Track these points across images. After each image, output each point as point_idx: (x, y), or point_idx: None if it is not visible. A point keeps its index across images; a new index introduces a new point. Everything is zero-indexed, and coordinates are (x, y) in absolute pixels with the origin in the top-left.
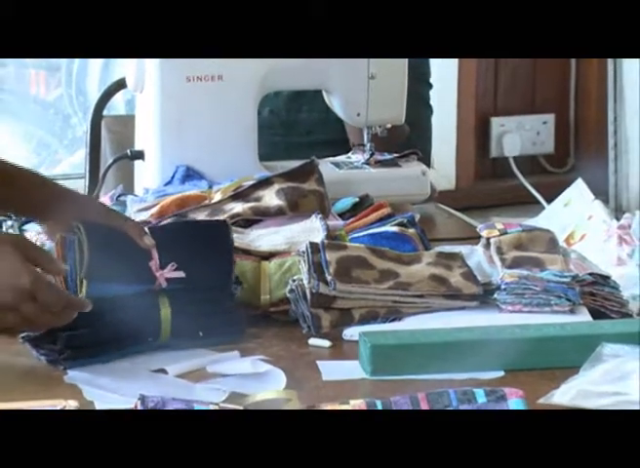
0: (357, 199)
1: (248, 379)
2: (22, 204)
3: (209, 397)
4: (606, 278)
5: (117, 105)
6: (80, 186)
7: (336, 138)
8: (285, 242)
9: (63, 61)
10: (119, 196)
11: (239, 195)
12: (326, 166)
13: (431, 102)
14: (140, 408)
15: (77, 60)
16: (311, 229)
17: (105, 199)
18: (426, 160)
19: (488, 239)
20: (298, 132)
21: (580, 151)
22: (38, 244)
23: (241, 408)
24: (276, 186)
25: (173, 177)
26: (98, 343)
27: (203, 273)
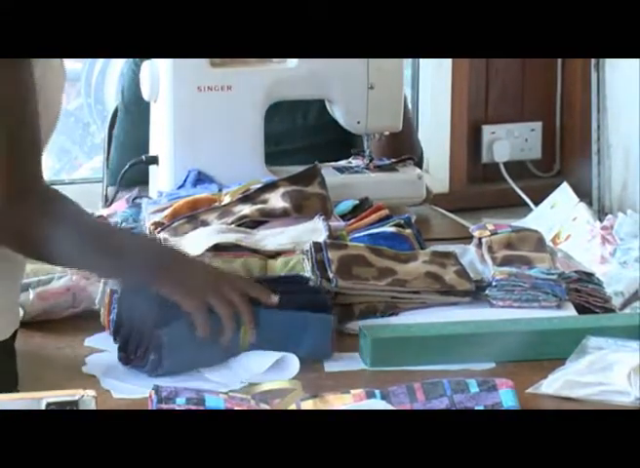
0: (357, 201)
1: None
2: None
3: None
4: (590, 275)
5: None
6: (98, 189)
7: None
8: (290, 241)
9: (83, 73)
10: (135, 199)
11: (247, 198)
12: (328, 170)
13: (427, 111)
14: (153, 397)
15: (96, 72)
16: (314, 230)
17: (122, 202)
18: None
19: (480, 239)
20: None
21: (565, 157)
22: None
23: (249, 396)
24: (281, 189)
25: (185, 181)
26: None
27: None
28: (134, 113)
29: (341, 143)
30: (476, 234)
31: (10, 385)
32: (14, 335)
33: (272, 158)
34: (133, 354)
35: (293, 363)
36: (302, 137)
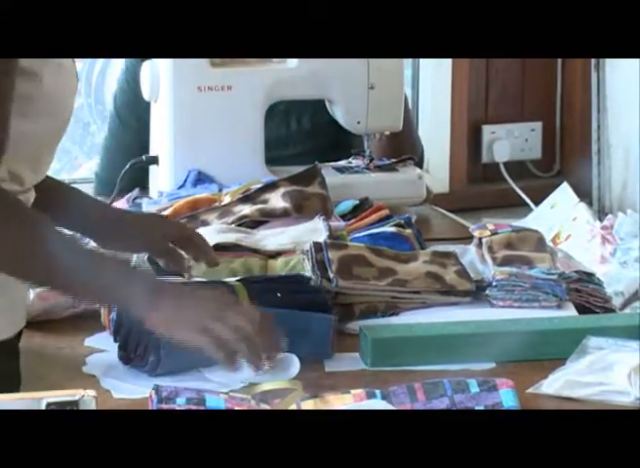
0: (357, 201)
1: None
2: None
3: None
4: (590, 275)
5: None
6: None
7: (299, 152)
8: (290, 241)
9: (82, 73)
10: (135, 198)
11: (247, 198)
12: (328, 170)
13: (427, 111)
14: (154, 397)
15: (96, 72)
16: (315, 230)
17: (122, 201)
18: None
19: (480, 239)
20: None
21: (565, 157)
22: None
23: (249, 396)
24: (282, 189)
25: (185, 181)
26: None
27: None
28: (124, 117)
29: (339, 144)
30: (476, 234)
31: (12, 385)
32: (18, 336)
33: (270, 164)
34: (133, 353)
35: (293, 363)
36: (299, 142)
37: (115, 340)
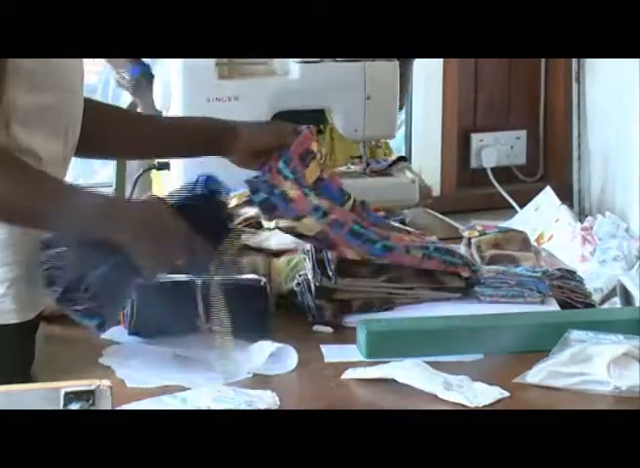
0: None
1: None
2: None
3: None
4: (572, 273)
5: None
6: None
7: None
8: (292, 241)
9: (99, 84)
10: None
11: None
12: None
13: (419, 121)
14: None
15: (112, 85)
16: None
17: None
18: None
19: (469, 239)
20: None
21: (548, 163)
22: None
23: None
24: None
25: None
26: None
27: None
28: None
29: None
30: (466, 234)
31: (26, 366)
32: (37, 319)
33: None
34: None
35: (291, 355)
36: None
37: (129, 333)
